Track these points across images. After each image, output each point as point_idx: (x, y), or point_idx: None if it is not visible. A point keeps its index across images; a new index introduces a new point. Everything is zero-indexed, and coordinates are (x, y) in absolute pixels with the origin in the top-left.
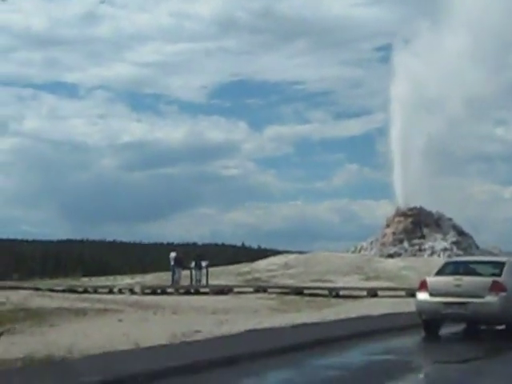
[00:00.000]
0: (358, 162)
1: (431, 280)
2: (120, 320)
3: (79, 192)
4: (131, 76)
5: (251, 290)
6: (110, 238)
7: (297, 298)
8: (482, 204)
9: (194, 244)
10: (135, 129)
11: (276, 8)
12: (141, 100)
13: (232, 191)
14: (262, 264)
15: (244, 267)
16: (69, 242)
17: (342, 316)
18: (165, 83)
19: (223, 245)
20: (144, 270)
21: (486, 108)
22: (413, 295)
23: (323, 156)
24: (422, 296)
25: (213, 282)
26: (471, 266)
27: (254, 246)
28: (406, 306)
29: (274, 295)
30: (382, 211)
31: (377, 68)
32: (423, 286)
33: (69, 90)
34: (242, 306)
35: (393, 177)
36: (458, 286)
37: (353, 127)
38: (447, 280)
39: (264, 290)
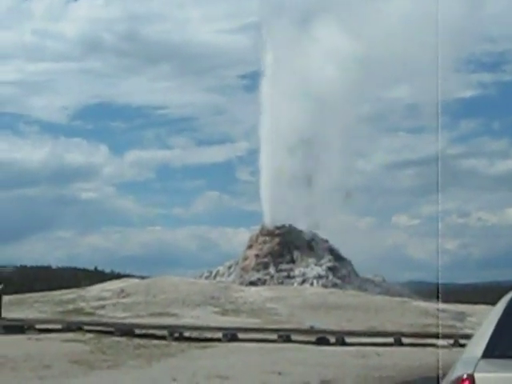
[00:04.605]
0: (219, 190)
1: None
2: None
3: None
4: None
5: (60, 327)
6: None
7: (123, 340)
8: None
9: (48, 267)
10: None
11: (142, 31)
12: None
13: (90, 215)
14: (93, 290)
15: (70, 294)
16: None
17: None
18: (25, 103)
19: (75, 268)
20: None
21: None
22: (289, 340)
23: (184, 182)
24: None
25: (18, 314)
26: None
27: (108, 270)
28: (289, 363)
29: (91, 335)
30: (240, 239)
31: (240, 96)
32: None
33: None
34: (32, 354)
35: (259, 195)
36: None
37: (214, 154)
38: None
39: (79, 327)
